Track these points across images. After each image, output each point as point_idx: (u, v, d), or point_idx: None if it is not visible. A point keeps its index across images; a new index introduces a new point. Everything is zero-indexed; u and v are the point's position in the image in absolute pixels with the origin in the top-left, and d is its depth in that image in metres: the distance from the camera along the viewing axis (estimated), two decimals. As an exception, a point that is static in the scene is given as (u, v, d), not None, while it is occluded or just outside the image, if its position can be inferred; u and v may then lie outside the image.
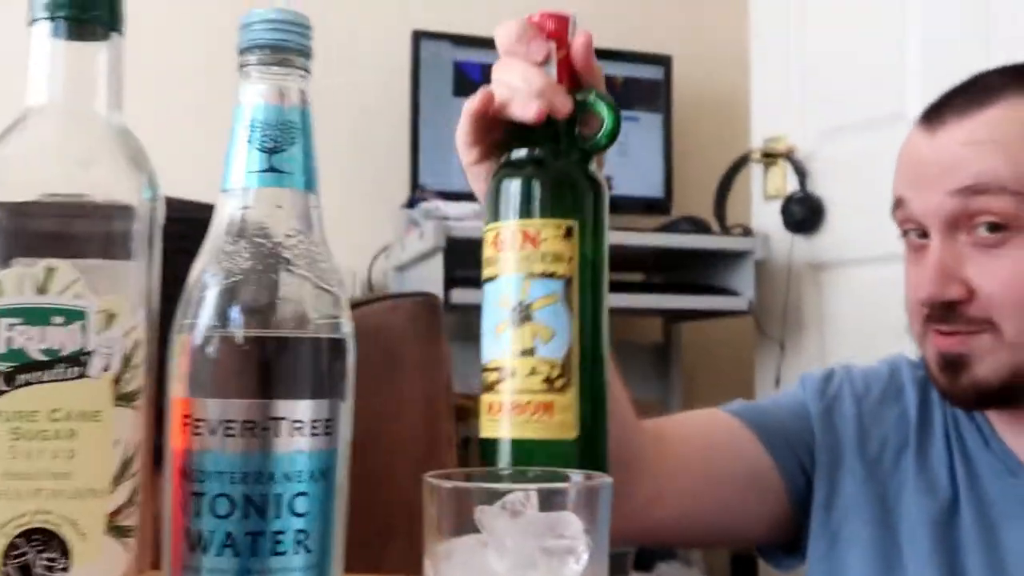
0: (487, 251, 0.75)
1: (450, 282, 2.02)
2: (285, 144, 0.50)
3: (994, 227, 0.87)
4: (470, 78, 2.40)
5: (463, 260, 2.04)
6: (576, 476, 0.58)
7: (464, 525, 0.55)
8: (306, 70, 0.51)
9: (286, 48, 0.51)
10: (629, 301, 2.25)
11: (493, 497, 0.56)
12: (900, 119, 1.64)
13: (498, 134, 0.74)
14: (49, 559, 0.42)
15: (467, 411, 2.26)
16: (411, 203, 2.26)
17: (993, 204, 0.86)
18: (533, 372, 0.72)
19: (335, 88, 2.22)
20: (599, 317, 0.73)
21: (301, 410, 0.46)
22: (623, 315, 2.34)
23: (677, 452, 0.94)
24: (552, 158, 0.75)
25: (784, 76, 2.35)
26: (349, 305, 0.51)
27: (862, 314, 2.14)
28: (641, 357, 2.57)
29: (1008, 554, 0.91)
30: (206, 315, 0.46)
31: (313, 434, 0.46)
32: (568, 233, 0.74)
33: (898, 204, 0.92)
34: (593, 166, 0.75)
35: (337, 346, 0.48)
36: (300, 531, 0.46)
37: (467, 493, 0.56)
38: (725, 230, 2.38)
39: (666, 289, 2.42)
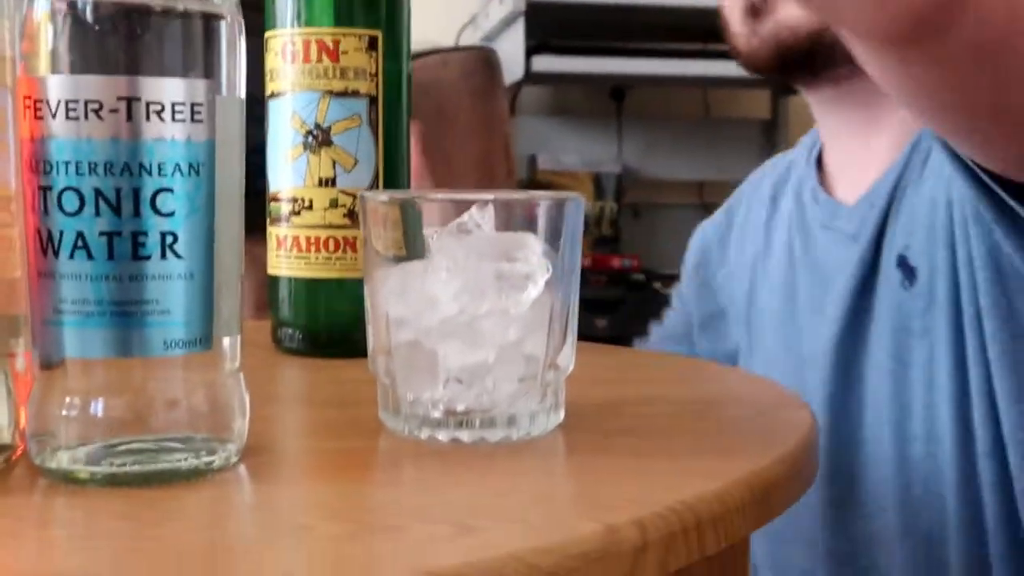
0: (272, 61, 0.66)
1: (532, 49, 1.90)
2: None
3: None
4: None
5: (546, 26, 1.92)
6: (542, 193, 0.50)
7: (408, 249, 0.48)
8: None
9: None
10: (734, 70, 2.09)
11: (438, 216, 0.48)
12: None
13: None
14: None
15: (554, 187, 2.20)
16: (496, -33, 2.13)
17: None
18: (334, 204, 0.64)
19: None
20: (403, 142, 0.66)
21: (160, 90, 0.38)
22: (727, 87, 2.20)
23: None
24: None
25: None
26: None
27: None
28: (748, 133, 2.43)
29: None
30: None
31: (177, 120, 0.39)
32: (371, 45, 0.65)
33: None
34: None
35: (211, 21, 0.40)
36: (167, 233, 0.39)
37: (408, 208, 0.48)
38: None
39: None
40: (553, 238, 0.48)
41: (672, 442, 0.47)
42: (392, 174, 0.67)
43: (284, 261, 0.66)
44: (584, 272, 1.90)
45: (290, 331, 0.67)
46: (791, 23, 0.79)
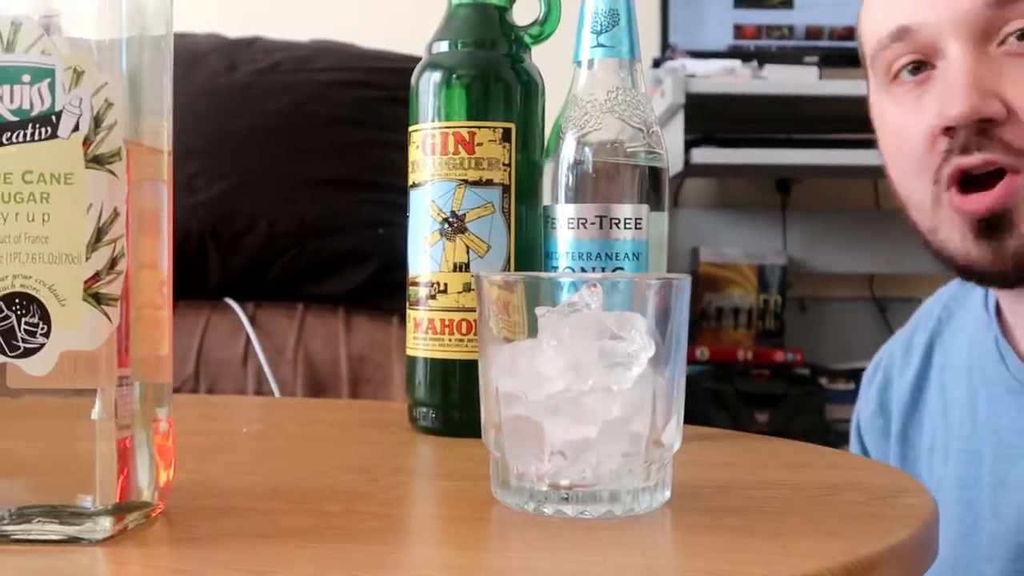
0: (413, 154, 0.70)
1: (692, 142, 1.92)
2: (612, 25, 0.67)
3: None
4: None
5: (706, 118, 1.94)
6: (651, 275, 0.51)
7: (520, 328, 0.50)
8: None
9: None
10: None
11: (548, 295, 0.51)
12: None
13: None
14: (30, 324, 0.41)
15: (717, 280, 2.19)
16: (657, 63, 2.17)
17: None
18: (467, 288, 0.67)
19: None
20: (537, 228, 0.69)
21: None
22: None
23: None
24: (484, 51, 0.70)
25: None
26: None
27: None
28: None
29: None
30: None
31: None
32: (505, 137, 0.67)
33: (898, 36, 0.75)
34: (529, 60, 0.71)
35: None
36: None
37: (517, 287, 0.50)
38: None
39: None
40: (661, 318, 0.49)
41: (778, 522, 0.47)
42: (525, 258, 0.70)
43: (421, 343, 0.70)
44: (746, 366, 1.90)
45: (424, 410, 0.70)
46: None
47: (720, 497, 0.52)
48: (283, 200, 1.42)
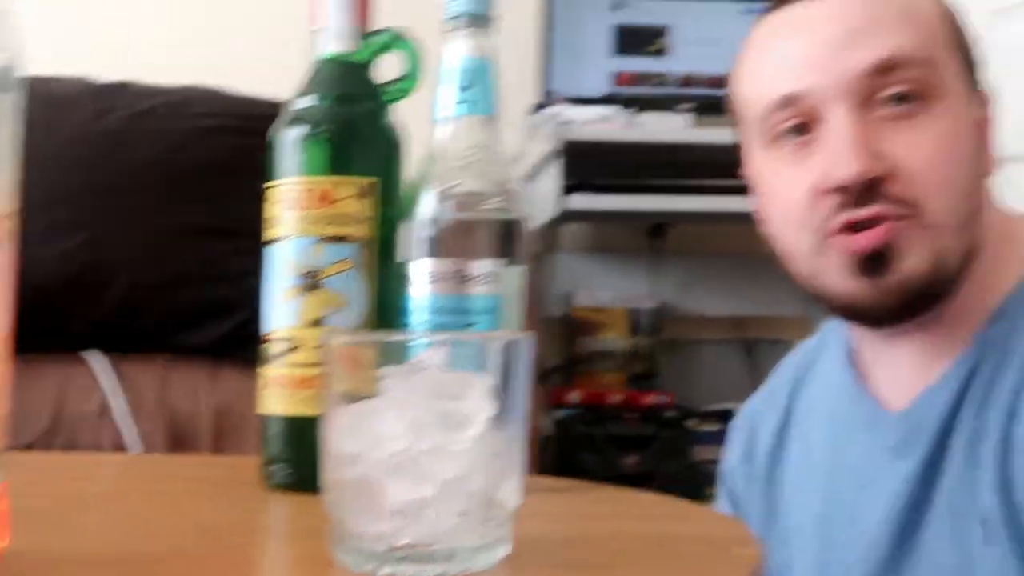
0: (270, 210, 0.71)
1: (569, 188, 1.95)
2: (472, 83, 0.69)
3: (903, 98, 0.77)
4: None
5: (583, 164, 1.98)
6: (494, 333, 0.53)
7: (362, 389, 0.51)
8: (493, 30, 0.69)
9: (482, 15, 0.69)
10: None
11: (394, 355, 0.51)
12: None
13: None
14: None
15: (591, 324, 2.22)
16: (536, 109, 2.20)
17: (905, 75, 0.77)
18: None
19: None
20: (395, 283, 0.69)
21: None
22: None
23: None
24: (346, 107, 0.71)
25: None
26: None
27: None
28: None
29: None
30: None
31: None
32: (365, 192, 0.69)
33: (785, 104, 0.81)
34: (390, 116, 0.72)
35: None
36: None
37: (363, 347, 0.51)
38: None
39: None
40: (502, 377, 0.50)
41: (614, 574, 0.48)
42: (383, 314, 0.70)
43: (275, 399, 0.69)
44: (616, 409, 1.94)
45: (278, 467, 0.69)
46: (915, 269, 0.78)
47: (563, 550, 0.53)
48: (152, 249, 1.39)
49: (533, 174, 2.20)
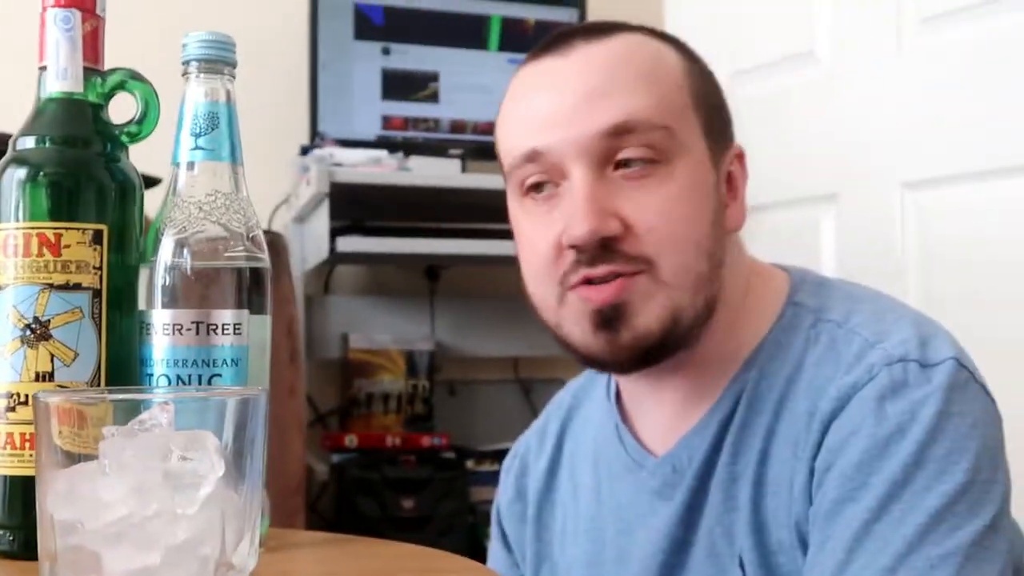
0: None
1: (337, 230, 1.93)
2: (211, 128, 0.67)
3: (638, 160, 0.81)
4: (372, 21, 2.31)
5: (352, 206, 1.96)
6: (228, 389, 0.50)
7: (81, 450, 0.47)
8: (231, 75, 0.68)
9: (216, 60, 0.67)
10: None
11: (115, 416, 0.48)
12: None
13: None
14: None
15: (367, 366, 2.20)
16: (305, 150, 2.17)
17: (640, 139, 0.81)
18: None
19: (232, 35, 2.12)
20: (132, 334, 0.67)
21: None
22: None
23: None
24: (71, 149, 0.68)
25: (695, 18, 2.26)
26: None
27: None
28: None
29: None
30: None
31: None
32: (96, 239, 0.67)
33: (530, 158, 0.84)
34: (126, 159, 0.69)
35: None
36: None
37: (81, 408, 0.48)
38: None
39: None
40: (236, 434, 0.48)
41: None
42: (118, 366, 0.66)
43: (-2, 460, 0.64)
44: (393, 452, 1.91)
45: (2, 533, 0.64)
46: (648, 326, 0.81)
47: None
48: None
49: (303, 216, 2.16)
